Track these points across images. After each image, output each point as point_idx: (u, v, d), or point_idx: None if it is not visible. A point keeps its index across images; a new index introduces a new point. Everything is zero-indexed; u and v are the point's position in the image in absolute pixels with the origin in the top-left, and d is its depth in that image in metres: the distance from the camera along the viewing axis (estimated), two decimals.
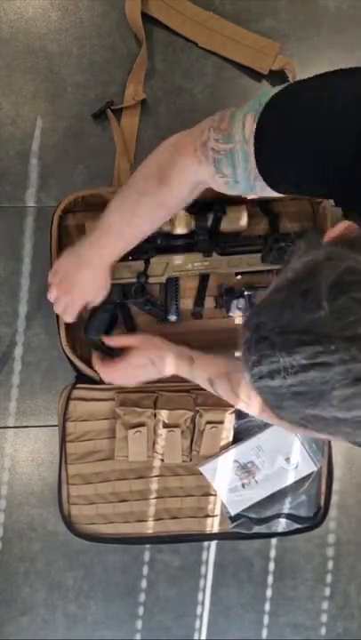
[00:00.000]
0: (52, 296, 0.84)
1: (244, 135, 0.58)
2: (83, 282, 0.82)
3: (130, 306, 0.97)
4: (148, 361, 0.85)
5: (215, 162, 0.62)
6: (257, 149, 0.57)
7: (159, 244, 0.92)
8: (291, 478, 0.97)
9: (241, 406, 0.80)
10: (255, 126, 0.57)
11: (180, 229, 0.91)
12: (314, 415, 0.42)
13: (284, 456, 0.96)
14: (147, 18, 0.98)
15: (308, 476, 0.97)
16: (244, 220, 0.92)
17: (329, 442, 0.97)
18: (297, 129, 0.55)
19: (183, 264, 0.93)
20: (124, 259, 0.93)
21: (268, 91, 0.59)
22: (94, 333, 0.94)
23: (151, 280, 0.92)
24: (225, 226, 0.92)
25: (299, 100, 0.57)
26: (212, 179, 0.65)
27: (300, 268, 0.43)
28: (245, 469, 0.96)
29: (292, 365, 0.40)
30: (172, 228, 0.91)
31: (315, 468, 0.97)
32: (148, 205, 0.72)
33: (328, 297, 0.39)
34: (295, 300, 0.41)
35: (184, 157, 0.67)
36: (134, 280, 0.92)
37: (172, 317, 0.96)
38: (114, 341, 0.89)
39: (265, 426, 0.95)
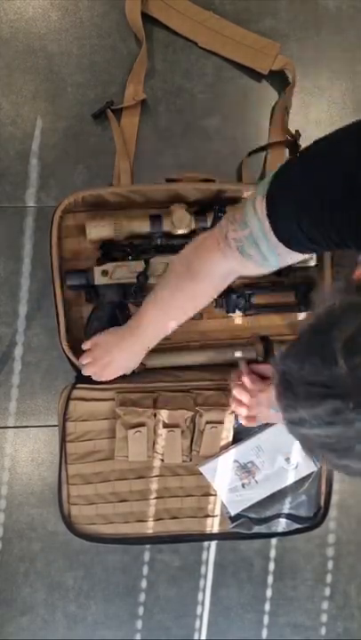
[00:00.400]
0: (84, 361, 0.90)
1: (258, 216, 0.61)
2: (120, 362, 0.89)
3: (129, 306, 0.98)
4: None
5: (239, 248, 0.66)
6: (271, 218, 0.60)
7: (159, 243, 0.92)
8: (291, 478, 0.97)
9: None
10: (265, 201, 0.60)
11: (181, 229, 0.91)
12: (342, 465, 0.42)
13: (284, 456, 0.96)
14: (147, 18, 0.98)
15: (308, 476, 0.97)
16: None
17: None
18: (319, 168, 0.57)
19: None
20: (123, 258, 0.93)
21: (267, 179, 0.62)
22: (94, 333, 0.94)
23: (151, 280, 0.92)
24: None
25: (310, 149, 0.60)
26: (242, 264, 0.69)
27: (322, 314, 0.44)
28: (245, 469, 0.96)
29: (316, 418, 0.40)
30: (172, 228, 0.91)
31: (315, 468, 0.97)
32: (182, 300, 0.79)
33: (344, 353, 0.39)
34: (315, 351, 0.42)
35: (209, 252, 0.72)
36: (134, 280, 0.92)
37: None
38: (262, 368, 0.92)
39: (265, 426, 0.95)
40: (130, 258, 0.92)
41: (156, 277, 0.93)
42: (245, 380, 0.90)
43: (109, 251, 0.94)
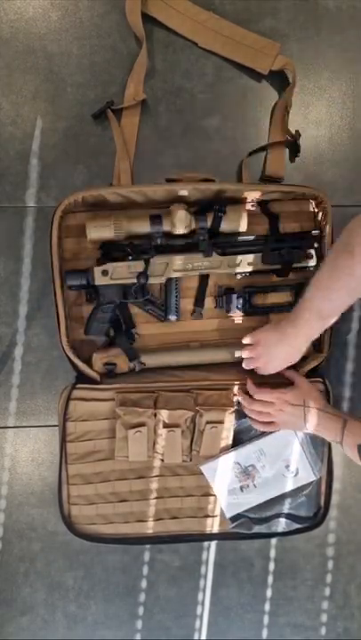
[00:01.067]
0: (245, 356, 0.92)
1: None
2: (277, 357, 0.89)
3: (130, 306, 0.98)
4: (300, 402, 0.89)
5: None
6: None
7: (159, 243, 0.92)
8: (289, 486, 0.97)
9: None
10: None
11: (181, 229, 0.91)
12: None
13: (285, 462, 0.96)
14: (147, 18, 0.98)
15: (308, 484, 0.97)
16: (243, 221, 0.92)
17: (329, 443, 0.97)
18: None
19: (183, 264, 0.93)
20: (123, 258, 0.93)
21: None
22: (94, 333, 0.94)
23: (151, 280, 0.93)
24: (225, 226, 0.92)
25: None
26: None
27: None
28: (246, 472, 0.96)
29: None
30: (172, 228, 0.91)
31: (314, 478, 0.97)
32: (340, 278, 0.76)
33: None
34: None
35: None
36: (134, 280, 0.92)
37: (172, 317, 0.96)
38: (288, 373, 0.93)
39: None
40: (130, 258, 0.92)
41: (156, 277, 0.93)
42: (261, 392, 0.91)
43: (109, 251, 0.94)
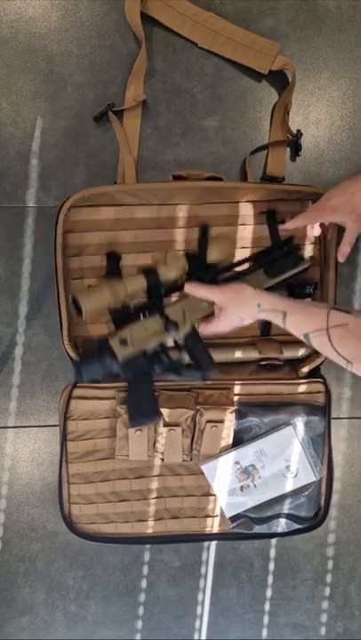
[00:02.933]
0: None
1: None
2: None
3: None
4: (239, 319, 0.83)
5: None
6: None
7: (162, 293, 0.86)
8: (289, 487, 0.97)
9: (341, 363, 0.74)
10: None
11: (175, 271, 0.86)
12: None
13: (286, 463, 0.96)
14: (147, 18, 0.98)
15: (309, 485, 0.97)
16: (227, 251, 0.90)
17: (329, 443, 0.97)
18: None
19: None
20: (136, 319, 0.85)
21: None
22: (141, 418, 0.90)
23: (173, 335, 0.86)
24: (212, 257, 0.89)
25: None
26: None
27: None
28: (246, 472, 0.96)
29: None
30: (165, 271, 0.85)
31: (314, 479, 0.97)
32: None
33: None
34: None
35: None
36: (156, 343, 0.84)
37: (211, 374, 0.88)
38: (196, 290, 0.84)
39: (270, 431, 0.95)
40: (141, 317, 0.84)
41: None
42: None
43: (121, 318, 0.85)
